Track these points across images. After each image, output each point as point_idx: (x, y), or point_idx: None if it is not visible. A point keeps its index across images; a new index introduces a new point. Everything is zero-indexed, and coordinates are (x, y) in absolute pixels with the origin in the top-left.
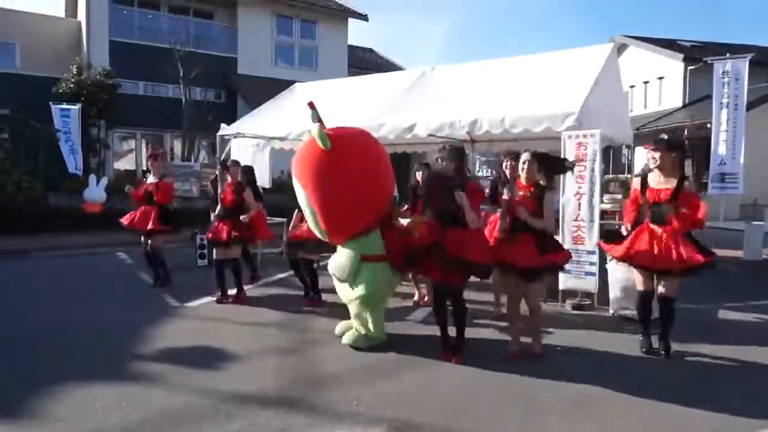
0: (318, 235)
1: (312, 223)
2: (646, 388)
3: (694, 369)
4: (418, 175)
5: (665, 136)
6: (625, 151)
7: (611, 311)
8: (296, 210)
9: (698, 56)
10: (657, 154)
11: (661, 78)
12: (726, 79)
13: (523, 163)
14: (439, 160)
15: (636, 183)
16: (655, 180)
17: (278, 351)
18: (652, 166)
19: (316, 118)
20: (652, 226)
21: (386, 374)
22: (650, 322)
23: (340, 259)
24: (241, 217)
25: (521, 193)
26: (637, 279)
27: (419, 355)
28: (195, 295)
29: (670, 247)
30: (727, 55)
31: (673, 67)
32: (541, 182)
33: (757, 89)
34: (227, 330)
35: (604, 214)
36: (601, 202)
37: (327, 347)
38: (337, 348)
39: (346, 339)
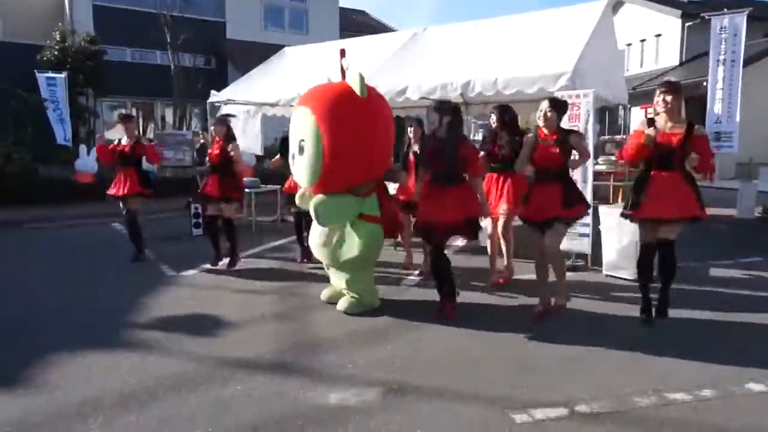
0: (304, 180)
1: (305, 168)
2: (635, 346)
3: (684, 325)
4: (410, 131)
5: (673, 79)
6: (620, 111)
7: (604, 273)
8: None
9: (696, 12)
10: (669, 97)
11: (658, 35)
12: (723, 35)
13: (542, 111)
14: (431, 116)
15: (642, 125)
16: (664, 124)
17: (273, 317)
18: (661, 109)
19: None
20: (657, 173)
21: (380, 338)
22: (651, 276)
23: (342, 204)
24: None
25: (543, 141)
26: (641, 230)
27: (412, 319)
28: (190, 264)
29: (678, 193)
30: (725, 10)
31: (671, 23)
32: (562, 127)
33: (754, 45)
34: (222, 297)
35: (598, 175)
36: (596, 163)
37: (322, 313)
38: (332, 313)
39: (341, 306)
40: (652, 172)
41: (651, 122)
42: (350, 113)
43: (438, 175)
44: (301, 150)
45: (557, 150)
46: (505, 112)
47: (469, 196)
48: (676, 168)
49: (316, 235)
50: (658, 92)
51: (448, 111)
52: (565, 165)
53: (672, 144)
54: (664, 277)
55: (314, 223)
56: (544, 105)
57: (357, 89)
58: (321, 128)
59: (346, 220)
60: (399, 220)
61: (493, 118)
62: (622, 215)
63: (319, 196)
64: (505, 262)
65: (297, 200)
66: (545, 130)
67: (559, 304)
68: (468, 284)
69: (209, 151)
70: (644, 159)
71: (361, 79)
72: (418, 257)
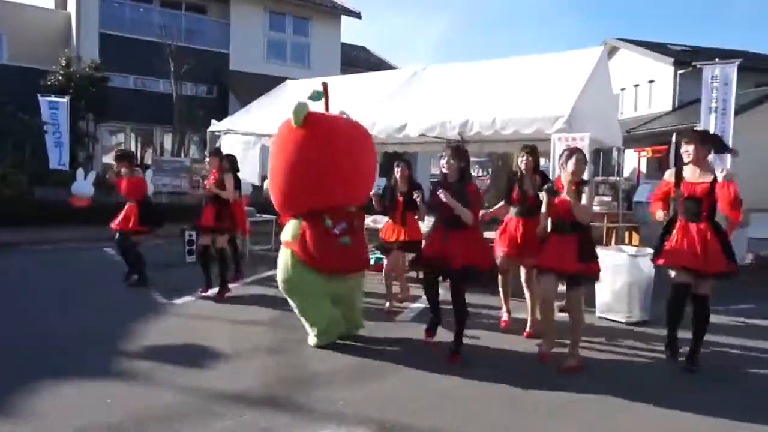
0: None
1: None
2: (628, 391)
3: (676, 371)
4: (397, 172)
5: (698, 128)
6: (615, 153)
7: (597, 314)
8: None
9: (688, 60)
10: (690, 147)
11: (651, 81)
12: (715, 84)
13: (574, 159)
14: (445, 158)
15: (669, 175)
16: (690, 174)
17: (265, 349)
18: (686, 160)
19: (319, 96)
20: (685, 223)
21: (373, 374)
22: (680, 321)
23: (288, 227)
24: (207, 185)
25: (563, 193)
26: (673, 273)
27: (406, 356)
28: (182, 292)
29: (710, 247)
30: (716, 60)
31: (664, 70)
32: (584, 178)
33: (745, 94)
34: (214, 328)
35: (592, 216)
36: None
37: (314, 347)
38: (324, 348)
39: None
40: (679, 220)
41: (679, 173)
42: (282, 140)
43: (445, 221)
44: None
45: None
46: (532, 153)
47: (474, 241)
48: (703, 219)
49: None
50: (682, 143)
51: (464, 156)
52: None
53: (697, 194)
54: (697, 335)
55: None
56: (580, 155)
57: (292, 118)
58: (271, 165)
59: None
60: (326, 254)
61: (521, 159)
62: (654, 263)
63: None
64: (530, 317)
65: None
66: (570, 177)
67: (570, 366)
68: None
69: (205, 182)
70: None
71: (299, 109)
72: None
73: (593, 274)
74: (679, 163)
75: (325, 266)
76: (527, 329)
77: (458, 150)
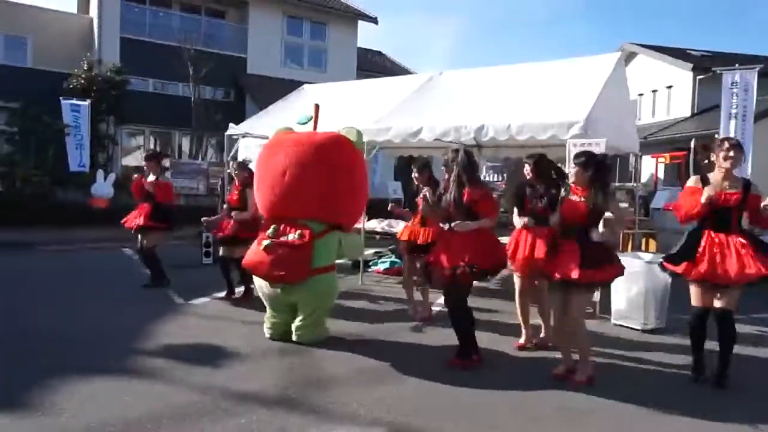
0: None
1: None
2: (644, 400)
3: (690, 381)
4: (414, 173)
5: (738, 129)
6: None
7: (613, 322)
8: None
9: (707, 66)
10: (733, 153)
11: (669, 87)
12: (735, 90)
13: (573, 171)
14: (450, 162)
15: (696, 182)
16: (721, 182)
17: (280, 350)
18: (728, 165)
19: (308, 120)
20: (712, 234)
21: (387, 376)
22: (704, 344)
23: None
24: (233, 215)
25: (576, 197)
26: (694, 294)
27: (422, 360)
28: (200, 293)
29: (734, 256)
30: (737, 65)
31: (682, 76)
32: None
33: (765, 100)
34: (230, 328)
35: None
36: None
37: (328, 347)
38: (339, 349)
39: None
40: (706, 231)
41: (705, 180)
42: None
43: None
44: None
45: (584, 206)
46: (539, 162)
47: (477, 243)
48: (733, 229)
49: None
50: (729, 147)
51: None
52: (589, 223)
53: (730, 203)
54: (724, 352)
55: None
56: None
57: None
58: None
59: None
60: (249, 254)
61: (527, 168)
62: (662, 267)
63: None
64: (543, 331)
65: None
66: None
67: (579, 381)
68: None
69: (228, 194)
70: (700, 217)
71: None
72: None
73: (595, 282)
74: (700, 171)
75: (247, 264)
76: (535, 342)
77: (463, 164)
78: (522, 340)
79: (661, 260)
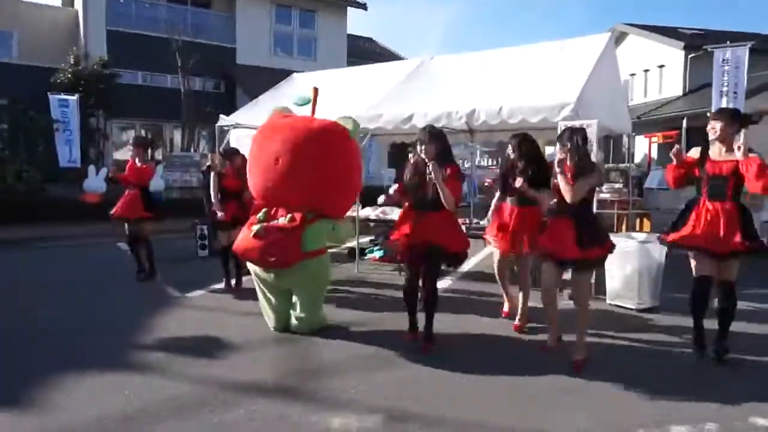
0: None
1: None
2: (638, 378)
3: (685, 358)
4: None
5: (730, 106)
6: (625, 140)
7: (607, 302)
8: None
9: (699, 44)
10: (718, 125)
11: (661, 66)
12: (726, 67)
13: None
14: (419, 144)
15: (694, 152)
16: (716, 153)
17: (278, 340)
18: (712, 137)
19: (306, 101)
20: (708, 203)
21: (384, 364)
22: (704, 314)
23: None
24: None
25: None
26: (695, 263)
27: (418, 347)
28: (195, 286)
29: (730, 226)
30: (728, 42)
31: (674, 55)
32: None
33: (757, 77)
34: (226, 320)
35: (603, 203)
36: (600, 191)
37: (325, 336)
38: (336, 338)
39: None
40: (701, 200)
41: (705, 151)
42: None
43: (417, 202)
44: None
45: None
46: (523, 141)
47: (447, 223)
48: (728, 198)
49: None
50: (710, 119)
51: (440, 138)
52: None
53: (723, 172)
54: (723, 325)
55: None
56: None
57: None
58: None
59: None
60: (239, 240)
61: (510, 148)
62: (660, 240)
63: None
64: (519, 310)
65: None
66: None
67: (578, 360)
68: (476, 312)
69: (224, 180)
70: (687, 183)
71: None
72: None
73: (594, 260)
74: (702, 143)
75: (237, 250)
76: (514, 326)
77: (431, 133)
78: (506, 309)
79: (660, 236)
